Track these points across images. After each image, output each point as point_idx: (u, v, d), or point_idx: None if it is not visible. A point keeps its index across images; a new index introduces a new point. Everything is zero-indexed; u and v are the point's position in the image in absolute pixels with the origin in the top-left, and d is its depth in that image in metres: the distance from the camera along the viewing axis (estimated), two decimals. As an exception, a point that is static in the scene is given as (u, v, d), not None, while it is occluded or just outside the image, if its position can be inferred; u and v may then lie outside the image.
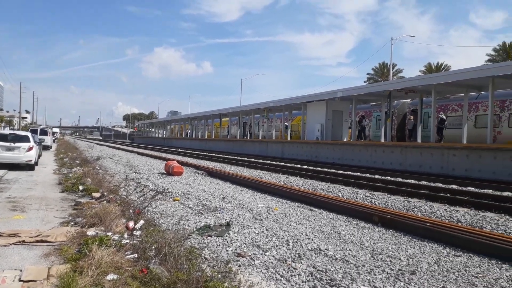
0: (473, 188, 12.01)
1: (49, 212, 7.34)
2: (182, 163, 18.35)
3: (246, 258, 4.96)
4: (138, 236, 5.48)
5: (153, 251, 4.60)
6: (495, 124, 19.91)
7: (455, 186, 12.46)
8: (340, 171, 17.45)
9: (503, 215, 8.04)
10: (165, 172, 15.30)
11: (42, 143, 24.33)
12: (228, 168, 18.68)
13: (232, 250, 5.31)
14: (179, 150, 37.94)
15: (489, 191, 11.35)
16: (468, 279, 4.46)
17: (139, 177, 13.70)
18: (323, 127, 26.77)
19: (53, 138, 44.08)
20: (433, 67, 57.71)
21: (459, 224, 7.15)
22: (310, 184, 12.83)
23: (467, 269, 4.81)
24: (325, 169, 18.21)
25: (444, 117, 22.00)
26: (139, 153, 31.54)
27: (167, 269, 4.07)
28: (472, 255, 5.39)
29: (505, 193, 11.02)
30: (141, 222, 6.15)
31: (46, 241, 5.31)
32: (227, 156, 27.70)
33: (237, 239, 5.81)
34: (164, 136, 72.44)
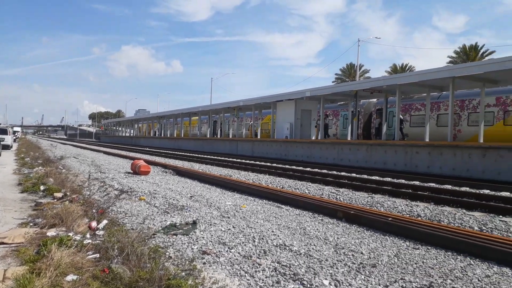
0: (434, 184, 12.50)
1: (7, 213, 7.05)
2: (150, 162, 18.07)
3: (211, 256, 4.96)
4: (101, 236, 5.37)
5: (116, 250, 4.52)
6: (456, 123, 20.79)
7: (417, 182, 12.92)
8: (308, 169, 17.69)
9: (460, 209, 8.42)
10: (132, 172, 15.01)
11: (2, 143, 23.30)
12: (197, 167, 18.55)
13: (197, 248, 5.29)
14: (147, 149, 37.30)
15: (449, 187, 11.85)
16: (425, 271, 4.65)
17: (104, 177, 13.38)
18: (292, 126, 27.08)
19: (14, 137, 42.30)
20: (398, 68, 59.49)
21: (419, 218, 7.43)
22: (278, 181, 12.95)
23: (425, 261, 5.01)
24: (294, 167, 18.42)
25: (402, 117, 22.75)
26: (105, 153, 30.77)
27: (129, 268, 4.01)
28: (430, 247, 5.61)
29: (463, 188, 11.55)
30: (104, 222, 6.02)
31: (3, 243, 5.11)
32: (196, 155, 27.50)
33: (203, 237, 5.80)
34: (132, 135, 71.00)
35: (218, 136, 39.80)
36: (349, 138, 23.33)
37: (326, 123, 27.40)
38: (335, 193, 10.43)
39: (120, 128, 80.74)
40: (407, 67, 59.08)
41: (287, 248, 5.39)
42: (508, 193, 10.70)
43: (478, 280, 4.38)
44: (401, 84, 19.22)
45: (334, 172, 16.44)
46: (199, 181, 13.14)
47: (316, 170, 17.29)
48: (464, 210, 8.24)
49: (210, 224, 6.61)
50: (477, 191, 10.75)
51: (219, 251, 5.15)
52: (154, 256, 4.37)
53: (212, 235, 5.92)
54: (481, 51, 50.83)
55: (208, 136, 41.60)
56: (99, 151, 33.64)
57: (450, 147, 16.20)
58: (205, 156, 26.89)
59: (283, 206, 8.63)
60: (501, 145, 14.61)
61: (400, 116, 22.67)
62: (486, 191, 10.99)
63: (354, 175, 15.15)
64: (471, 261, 5.04)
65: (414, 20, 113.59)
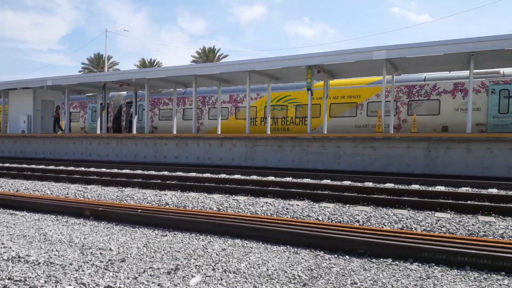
0: (181, 173, 13.47)
1: None
2: None
3: None
4: None
5: None
6: (199, 117, 23.03)
7: (166, 172, 13.62)
8: (52, 167, 15.88)
9: (202, 193, 9.38)
10: None
11: None
12: None
13: None
14: None
15: (193, 174, 13.04)
16: (172, 255, 4.94)
17: None
18: (31, 119, 23.61)
19: None
20: (147, 63, 60.80)
21: (167, 206, 7.85)
22: (12, 184, 11.04)
23: (172, 246, 5.32)
24: (33, 166, 16.15)
25: (132, 110, 23.42)
26: None
27: None
28: (177, 232, 6.00)
29: (205, 175, 12.94)
30: None
31: None
32: None
33: None
34: None
35: None
36: (98, 132, 22.25)
37: (57, 115, 24.43)
38: (82, 190, 9.74)
39: None
40: (155, 63, 61.18)
41: (22, 259, 4.65)
42: (239, 176, 12.70)
43: (216, 254, 4.97)
44: (149, 79, 19.71)
45: (82, 168, 15.38)
46: None
47: (61, 167, 15.69)
48: (206, 194, 9.23)
49: None
50: (216, 176, 12.27)
51: None
52: None
53: None
54: (218, 53, 58.01)
55: None
56: None
57: (194, 138, 17.83)
58: None
59: (18, 212, 7.43)
60: (234, 135, 17.15)
61: (132, 110, 23.19)
62: (223, 175, 12.70)
63: (104, 170, 14.59)
64: (211, 238, 5.69)
65: (161, 18, 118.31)
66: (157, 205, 8.05)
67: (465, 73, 16.62)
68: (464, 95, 16.94)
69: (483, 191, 9.32)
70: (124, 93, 26.69)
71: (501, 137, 12.74)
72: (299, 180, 11.62)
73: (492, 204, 7.41)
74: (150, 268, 4.44)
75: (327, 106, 17.97)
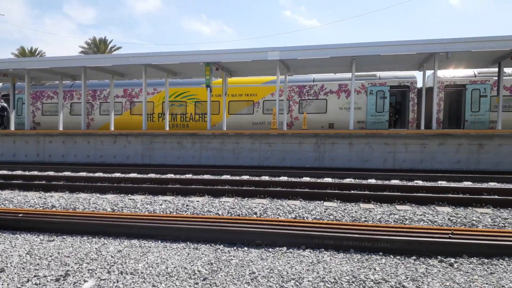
0: (69, 173, 12.42)
1: None
2: None
3: None
4: None
5: None
6: (89, 112, 21.45)
7: (52, 173, 12.43)
8: None
9: (94, 194, 8.78)
10: None
11: None
12: None
13: None
14: None
15: (84, 174, 12.12)
16: (61, 260, 4.57)
17: None
18: None
19: None
20: (27, 52, 54.55)
21: (54, 209, 7.19)
22: None
23: (60, 251, 4.91)
24: None
25: (5, 104, 21.08)
26: None
27: None
28: (66, 236, 5.56)
29: (97, 174, 12.12)
30: None
31: None
32: None
33: None
34: None
35: None
36: (-35, 128, 19.31)
37: None
38: None
39: None
40: (37, 52, 55.17)
41: None
42: (136, 174, 12.18)
43: (111, 256, 4.73)
44: (30, 69, 17.72)
45: None
46: None
47: None
48: (99, 194, 8.67)
49: None
50: (110, 175, 11.60)
51: None
52: None
53: None
54: (110, 45, 54.51)
55: None
56: None
57: (83, 135, 16.57)
58: None
59: None
60: (129, 132, 16.37)
61: (3, 103, 20.72)
62: (118, 174, 12.06)
63: (-27, 171, 12.74)
64: (106, 240, 5.38)
65: (44, 4, 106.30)
66: (42, 208, 7.32)
67: (348, 75, 18.31)
68: (347, 95, 18.67)
69: (364, 182, 10.42)
70: (0, 84, 23.58)
71: (377, 133, 14.35)
72: (199, 177, 11.60)
73: (371, 192, 8.34)
74: (35, 276, 4.05)
75: (226, 103, 18.21)
